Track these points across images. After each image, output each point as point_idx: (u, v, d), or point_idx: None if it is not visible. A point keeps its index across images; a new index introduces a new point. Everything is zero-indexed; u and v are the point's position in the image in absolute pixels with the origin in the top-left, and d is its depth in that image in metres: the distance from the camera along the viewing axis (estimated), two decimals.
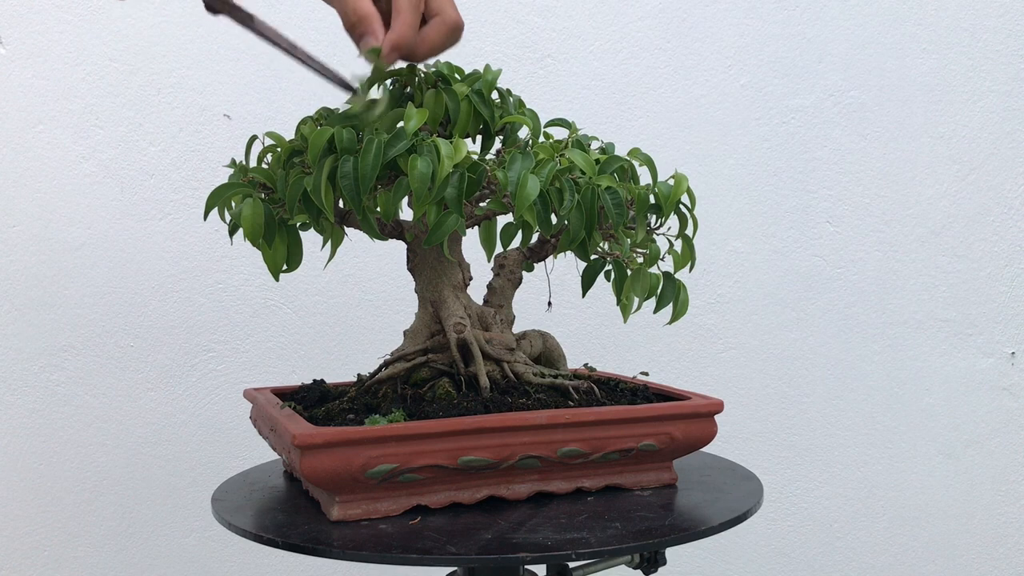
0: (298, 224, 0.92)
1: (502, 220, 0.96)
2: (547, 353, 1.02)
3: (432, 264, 0.96)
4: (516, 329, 1.02)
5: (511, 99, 0.98)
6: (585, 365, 1.08)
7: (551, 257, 1.01)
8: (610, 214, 0.86)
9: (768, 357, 1.69)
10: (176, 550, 1.46)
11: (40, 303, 1.39)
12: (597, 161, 0.90)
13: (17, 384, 1.39)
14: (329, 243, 0.97)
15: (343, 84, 0.82)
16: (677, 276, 0.95)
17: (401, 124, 0.83)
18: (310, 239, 0.95)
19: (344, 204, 0.85)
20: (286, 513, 0.84)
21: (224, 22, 0.84)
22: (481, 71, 0.94)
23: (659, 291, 0.94)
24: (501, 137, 0.98)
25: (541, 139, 0.96)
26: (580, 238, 0.86)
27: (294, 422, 0.81)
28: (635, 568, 0.94)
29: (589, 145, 0.94)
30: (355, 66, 0.81)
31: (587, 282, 0.94)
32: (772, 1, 1.66)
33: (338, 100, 1.05)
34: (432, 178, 0.80)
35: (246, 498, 0.90)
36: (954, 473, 1.77)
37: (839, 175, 1.70)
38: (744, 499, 0.88)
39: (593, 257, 0.92)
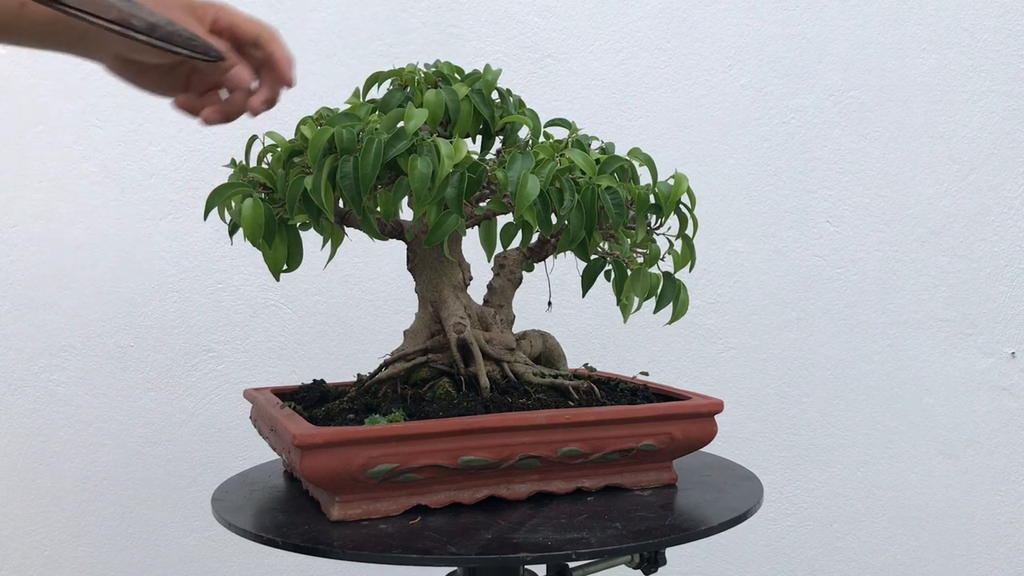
0: (298, 224, 0.92)
1: (502, 220, 0.96)
2: (547, 353, 1.02)
3: (432, 264, 0.96)
4: (516, 329, 1.02)
5: (511, 99, 0.98)
6: (585, 365, 1.08)
7: (551, 257, 1.01)
8: (610, 214, 0.86)
9: (768, 357, 1.69)
10: (176, 550, 1.46)
11: (40, 303, 1.39)
12: (597, 161, 0.90)
13: (17, 384, 1.39)
14: (329, 243, 0.97)
15: (207, 53, 0.72)
16: (677, 276, 0.95)
17: (401, 124, 0.83)
18: (310, 239, 0.95)
19: (344, 204, 0.85)
20: (286, 513, 0.84)
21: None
22: (481, 71, 0.94)
23: (659, 291, 0.94)
24: (501, 137, 0.98)
25: (541, 139, 0.96)
26: (580, 238, 0.86)
27: (294, 422, 0.81)
28: (635, 568, 0.94)
29: (589, 145, 0.94)
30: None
31: (587, 282, 0.94)
32: (772, 1, 1.66)
33: (338, 100, 1.05)
34: (432, 178, 0.80)
35: (246, 498, 0.90)
36: (954, 473, 1.77)
37: (839, 175, 1.70)
38: (744, 499, 0.88)
39: (593, 257, 0.92)
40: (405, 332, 0.99)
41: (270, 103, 0.76)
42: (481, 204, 0.94)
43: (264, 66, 0.75)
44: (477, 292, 1.01)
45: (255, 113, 0.76)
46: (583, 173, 0.86)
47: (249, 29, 0.74)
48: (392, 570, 0.90)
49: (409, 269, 0.99)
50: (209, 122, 0.76)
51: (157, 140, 1.43)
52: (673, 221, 0.94)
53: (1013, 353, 1.78)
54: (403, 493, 0.81)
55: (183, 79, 0.74)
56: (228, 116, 0.76)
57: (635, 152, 0.95)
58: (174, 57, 0.69)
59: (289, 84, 0.76)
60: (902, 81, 1.72)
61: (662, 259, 0.94)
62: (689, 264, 0.96)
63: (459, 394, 0.90)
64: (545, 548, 0.72)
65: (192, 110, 0.76)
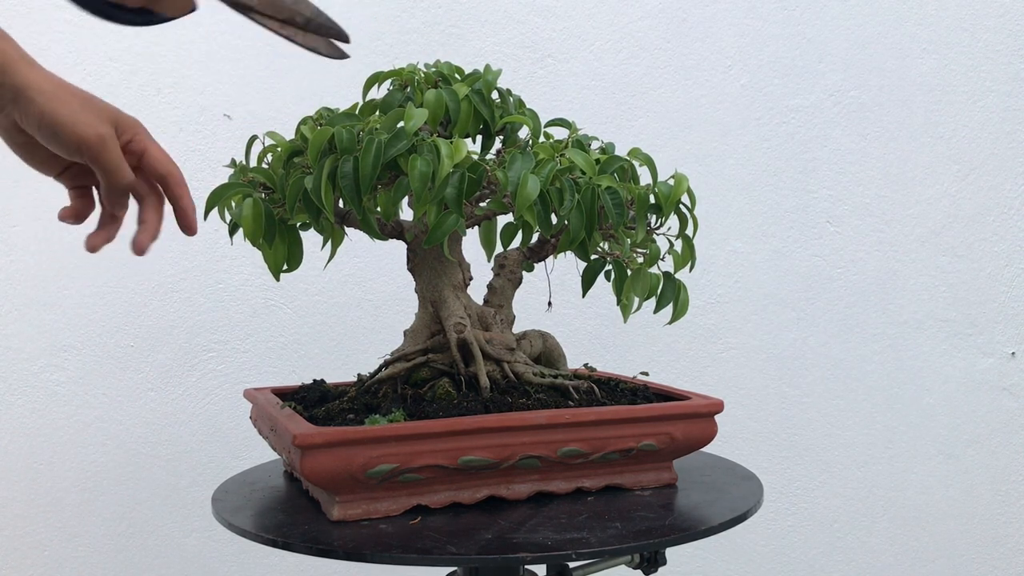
0: (298, 224, 0.93)
1: (502, 220, 0.96)
2: (547, 353, 1.02)
3: (432, 264, 0.96)
4: (516, 329, 1.02)
5: (511, 99, 0.98)
6: (585, 365, 1.08)
7: (551, 257, 1.01)
8: (610, 214, 0.86)
9: (768, 357, 1.69)
10: (176, 550, 1.46)
11: (40, 303, 1.39)
12: (597, 161, 0.90)
13: (17, 384, 1.39)
14: (329, 243, 0.97)
15: (340, 34, 0.73)
16: (677, 276, 0.95)
17: (401, 124, 0.83)
18: (310, 239, 0.95)
19: (344, 204, 0.85)
20: (286, 513, 0.84)
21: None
22: (481, 71, 0.94)
23: (659, 291, 0.94)
24: (501, 137, 0.98)
25: (541, 139, 0.96)
26: (580, 238, 0.86)
27: (294, 422, 0.81)
28: (635, 568, 0.94)
29: (589, 145, 0.94)
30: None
31: (587, 282, 0.94)
32: (772, 1, 1.66)
33: (338, 100, 1.05)
34: (432, 178, 0.80)
35: (246, 498, 0.90)
36: (954, 473, 1.77)
37: (839, 175, 1.70)
38: (744, 499, 0.88)
39: (593, 257, 0.92)
40: (405, 332, 0.99)
41: (154, 238, 0.74)
42: (481, 204, 0.94)
43: (148, 200, 0.74)
44: (477, 292, 1.01)
45: (142, 251, 0.73)
46: (583, 173, 0.87)
47: (160, 164, 0.72)
48: (392, 570, 0.90)
49: (409, 269, 0.99)
50: (93, 248, 0.72)
51: (157, 140, 1.43)
52: (673, 221, 0.94)
53: (1013, 353, 1.78)
54: (403, 493, 0.81)
55: (64, 164, 0.71)
56: (110, 239, 0.74)
57: (635, 152, 0.95)
58: (75, 155, 0.66)
59: (192, 232, 0.74)
60: (902, 81, 1.72)
61: (662, 259, 0.94)
62: (689, 264, 0.96)
63: (459, 394, 0.90)
64: (545, 548, 0.72)
65: (78, 217, 0.73)
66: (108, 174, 0.67)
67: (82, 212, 0.75)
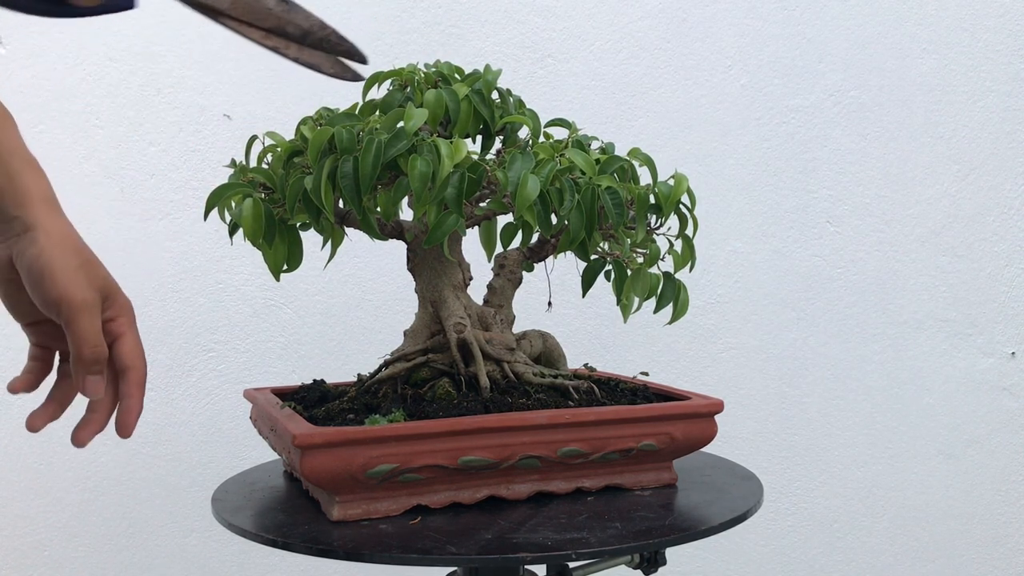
0: (298, 224, 0.93)
1: (502, 220, 0.96)
2: (547, 353, 1.02)
3: (432, 264, 0.96)
4: (516, 329, 1.02)
5: (511, 99, 0.98)
6: (585, 365, 1.08)
7: (551, 257, 1.01)
8: (610, 214, 0.86)
9: (768, 357, 1.69)
10: (176, 550, 1.46)
11: None
12: (597, 161, 0.90)
13: None
14: (329, 243, 0.97)
15: (353, 53, 0.68)
16: (677, 276, 0.95)
17: (401, 124, 0.83)
18: (310, 239, 0.95)
19: (344, 204, 0.85)
20: (286, 513, 0.84)
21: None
22: (481, 71, 0.94)
23: (659, 291, 0.94)
24: (501, 137, 0.98)
25: (541, 139, 0.96)
26: (580, 238, 0.86)
27: (294, 422, 0.81)
28: (635, 568, 0.94)
29: (589, 145, 0.94)
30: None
31: (587, 282, 0.94)
32: (772, 1, 1.66)
33: (338, 100, 1.05)
34: (432, 178, 0.80)
35: (246, 498, 0.90)
36: (954, 473, 1.77)
37: (839, 175, 1.70)
38: (744, 499, 0.88)
39: (593, 257, 0.92)
40: (405, 332, 0.99)
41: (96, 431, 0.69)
42: (481, 204, 0.94)
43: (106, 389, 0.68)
44: (477, 292, 1.01)
45: (82, 444, 0.68)
46: (583, 173, 0.87)
47: (127, 355, 0.67)
48: (392, 570, 0.90)
49: (409, 269, 0.99)
50: (35, 428, 0.69)
51: (157, 140, 1.43)
52: (673, 221, 0.94)
53: (1013, 353, 1.78)
54: (403, 493, 0.81)
55: (38, 316, 0.67)
56: (54, 418, 0.69)
57: (635, 152, 0.95)
58: (52, 310, 0.60)
59: (127, 434, 0.69)
60: (902, 81, 1.72)
61: (662, 259, 0.94)
62: (689, 264, 0.96)
63: (459, 394, 0.90)
64: (545, 548, 0.72)
65: (29, 384, 0.70)
66: (79, 342, 0.64)
67: (36, 377, 0.71)
